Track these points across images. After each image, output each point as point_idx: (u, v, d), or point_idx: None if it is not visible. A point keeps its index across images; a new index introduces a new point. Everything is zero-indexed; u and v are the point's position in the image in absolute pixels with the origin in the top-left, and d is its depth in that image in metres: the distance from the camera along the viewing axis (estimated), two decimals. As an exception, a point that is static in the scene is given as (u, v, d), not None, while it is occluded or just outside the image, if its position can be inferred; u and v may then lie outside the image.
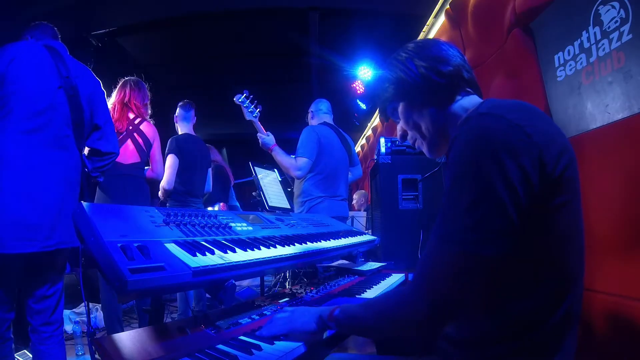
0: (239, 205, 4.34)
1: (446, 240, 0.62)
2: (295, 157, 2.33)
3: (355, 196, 5.55)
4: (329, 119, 2.69)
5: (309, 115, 2.73)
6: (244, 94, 2.14)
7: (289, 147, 2.42)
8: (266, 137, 2.28)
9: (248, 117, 2.17)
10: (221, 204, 3.47)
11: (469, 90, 0.82)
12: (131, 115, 2.32)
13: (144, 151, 2.34)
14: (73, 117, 1.51)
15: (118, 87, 2.39)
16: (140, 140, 2.30)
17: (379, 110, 0.94)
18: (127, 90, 2.35)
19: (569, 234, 0.66)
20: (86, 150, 1.65)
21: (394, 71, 0.84)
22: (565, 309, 0.66)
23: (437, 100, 0.81)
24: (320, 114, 2.68)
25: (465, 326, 0.72)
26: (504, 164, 0.58)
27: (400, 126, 0.90)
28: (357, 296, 1.21)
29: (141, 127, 2.33)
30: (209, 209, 3.18)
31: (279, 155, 2.30)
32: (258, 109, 2.18)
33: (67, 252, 1.48)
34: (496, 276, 0.63)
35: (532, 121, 0.63)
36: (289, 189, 2.71)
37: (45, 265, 1.45)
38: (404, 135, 0.90)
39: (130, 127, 2.28)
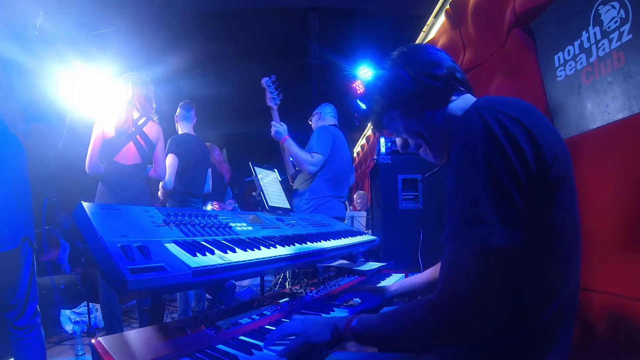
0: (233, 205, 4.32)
1: (459, 239, 0.62)
2: (310, 153, 2.31)
3: (355, 196, 5.56)
4: (335, 122, 2.68)
5: (316, 117, 2.70)
6: (272, 79, 2.17)
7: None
8: (280, 127, 2.26)
9: (269, 102, 2.19)
10: (215, 202, 3.43)
11: (462, 89, 0.83)
12: (135, 115, 2.28)
13: (146, 152, 2.30)
14: None
15: (121, 83, 2.34)
16: (142, 142, 2.27)
17: (372, 123, 0.92)
18: (131, 87, 2.31)
19: (564, 225, 0.67)
20: None
21: (385, 82, 0.83)
22: (559, 303, 0.67)
23: (433, 103, 0.81)
24: (327, 116, 2.66)
25: None
26: (507, 154, 0.60)
27: (399, 136, 0.88)
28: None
29: (145, 128, 2.30)
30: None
31: (293, 147, 2.26)
32: (280, 97, 2.19)
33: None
34: (508, 267, 0.62)
35: (530, 117, 0.64)
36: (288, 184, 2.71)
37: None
38: (404, 145, 0.89)
39: (134, 129, 2.25)
